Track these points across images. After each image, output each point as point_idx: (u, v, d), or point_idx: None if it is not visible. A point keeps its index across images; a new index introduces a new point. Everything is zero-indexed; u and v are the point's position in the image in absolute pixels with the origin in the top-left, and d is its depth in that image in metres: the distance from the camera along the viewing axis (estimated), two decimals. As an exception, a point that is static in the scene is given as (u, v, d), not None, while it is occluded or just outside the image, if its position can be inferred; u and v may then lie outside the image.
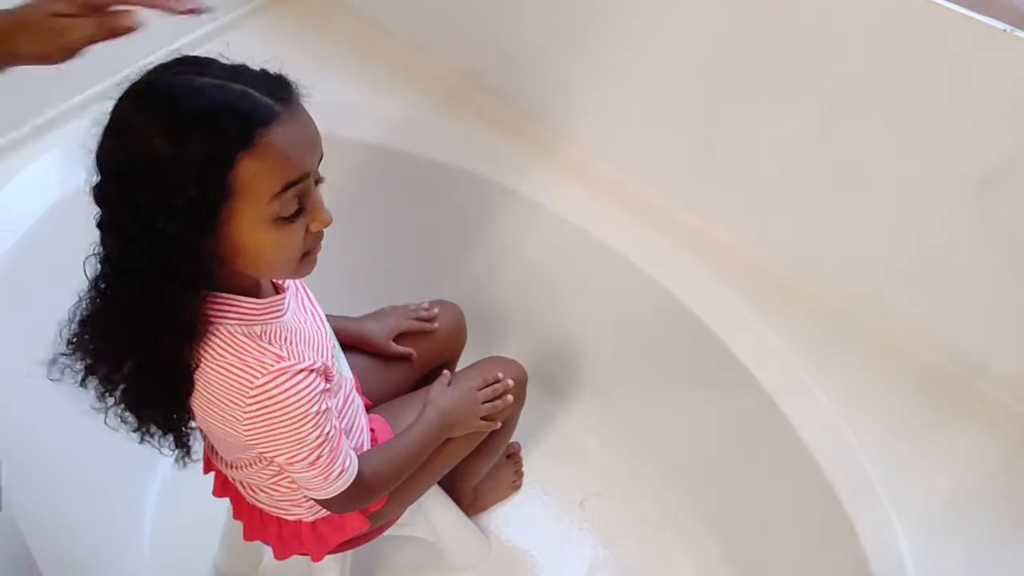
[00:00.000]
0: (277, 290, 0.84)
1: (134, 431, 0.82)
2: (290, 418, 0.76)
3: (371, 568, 1.30)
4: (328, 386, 0.82)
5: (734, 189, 1.16)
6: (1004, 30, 0.82)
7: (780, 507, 1.17)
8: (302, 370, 0.76)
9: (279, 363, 0.75)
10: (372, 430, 1.00)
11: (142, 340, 0.72)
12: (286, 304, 0.82)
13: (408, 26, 1.43)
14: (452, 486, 1.22)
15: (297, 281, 0.88)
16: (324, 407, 0.79)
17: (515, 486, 1.40)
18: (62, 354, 0.79)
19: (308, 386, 0.77)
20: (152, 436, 0.83)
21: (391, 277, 1.48)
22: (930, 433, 1.03)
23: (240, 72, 0.69)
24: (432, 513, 1.20)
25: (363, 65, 1.41)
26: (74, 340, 0.78)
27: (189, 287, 0.71)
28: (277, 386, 0.74)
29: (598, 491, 1.41)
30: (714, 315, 1.15)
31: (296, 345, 0.79)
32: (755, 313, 1.13)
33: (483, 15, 1.29)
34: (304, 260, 0.75)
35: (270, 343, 0.76)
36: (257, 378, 0.74)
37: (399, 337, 1.12)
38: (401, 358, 1.12)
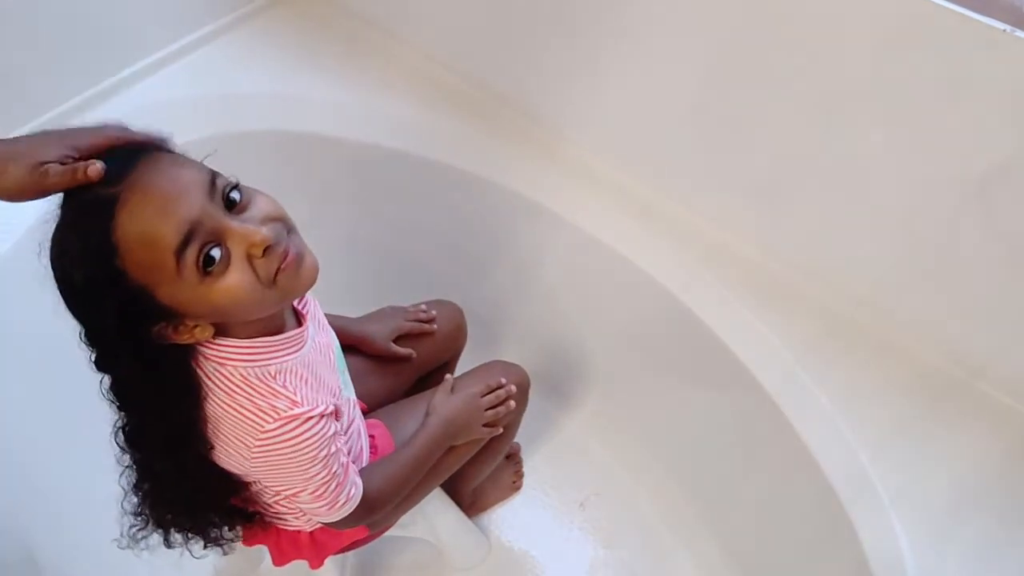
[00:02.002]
0: (299, 319, 0.82)
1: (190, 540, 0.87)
2: (297, 461, 0.76)
3: (371, 569, 1.30)
4: (339, 427, 0.81)
5: (734, 189, 1.16)
6: (1004, 30, 0.82)
7: (780, 507, 1.17)
8: (313, 416, 0.75)
9: (292, 409, 0.74)
10: (372, 436, 1.00)
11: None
12: (305, 335, 0.80)
13: (408, 27, 1.43)
14: (452, 487, 1.22)
15: (310, 297, 0.87)
16: (333, 449, 0.79)
17: (515, 487, 1.40)
18: (135, 528, 0.85)
19: (318, 432, 0.76)
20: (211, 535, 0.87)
21: (391, 277, 1.48)
22: (930, 433, 1.03)
23: None
24: (432, 514, 1.20)
25: (362, 66, 1.41)
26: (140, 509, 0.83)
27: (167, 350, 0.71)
28: (287, 432, 0.74)
29: (598, 491, 1.41)
30: (714, 315, 1.15)
31: (311, 384, 0.78)
32: (755, 313, 1.13)
33: (483, 16, 1.29)
34: (279, 281, 0.69)
35: (284, 386, 0.75)
36: (268, 423, 0.73)
37: (398, 338, 1.12)
38: (401, 359, 1.12)
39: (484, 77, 1.37)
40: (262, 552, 1.20)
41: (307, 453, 0.75)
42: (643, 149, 1.24)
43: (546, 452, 1.45)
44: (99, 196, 0.63)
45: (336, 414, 0.81)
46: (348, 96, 1.36)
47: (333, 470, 0.79)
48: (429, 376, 1.18)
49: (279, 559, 1.01)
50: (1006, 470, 1.00)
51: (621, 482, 1.41)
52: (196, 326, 0.70)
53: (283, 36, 1.45)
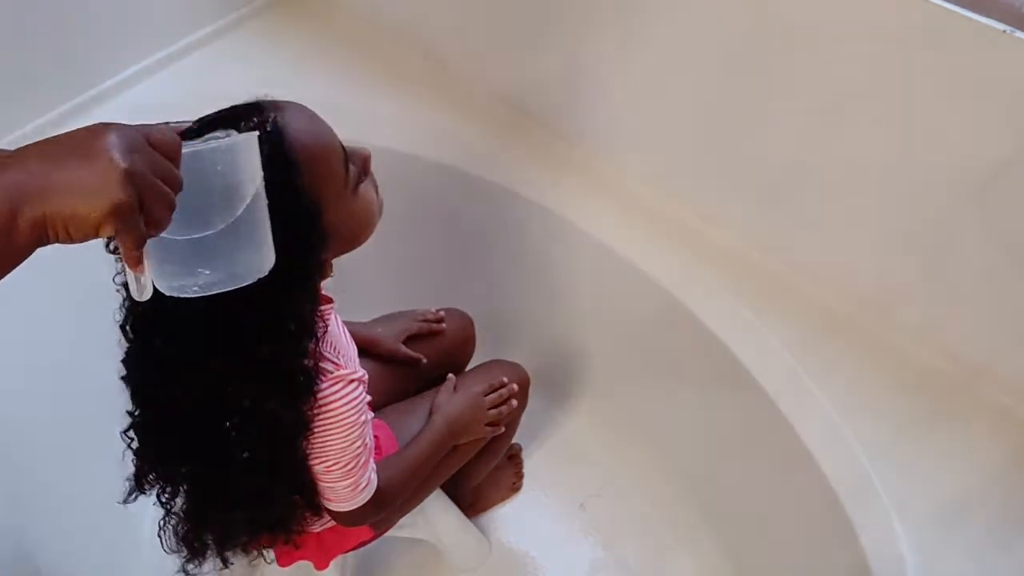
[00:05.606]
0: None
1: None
2: (341, 425, 0.77)
3: (371, 570, 1.30)
4: (368, 398, 0.82)
5: (735, 190, 1.16)
6: (1004, 30, 0.82)
7: (780, 507, 1.17)
8: (355, 379, 0.77)
9: (336, 371, 0.76)
10: (376, 437, 1.00)
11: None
12: (330, 312, 0.82)
13: (409, 28, 1.43)
14: (453, 488, 1.22)
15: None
16: (367, 417, 0.80)
17: (516, 487, 1.40)
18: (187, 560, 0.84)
19: (359, 396, 0.78)
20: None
21: (395, 282, 1.48)
22: (930, 434, 1.03)
23: (223, 119, 0.66)
24: (433, 515, 1.20)
25: (363, 68, 1.41)
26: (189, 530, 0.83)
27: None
28: (334, 393, 0.75)
29: (599, 492, 1.41)
30: (714, 315, 1.15)
31: (343, 354, 0.80)
32: (755, 313, 1.13)
33: (485, 16, 1.29)
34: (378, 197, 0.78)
35: (326, 351, 0.77)
36: (318, 384, 0.74)
37: (407, 340, 1.12)
38: (410, 362, 1.12)
39: (486, 78, 1.37)
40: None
41: (349, 416, 0.77)
42: (643, 151, 1.24)
43: (546, 452, 1.45)
44: (263, 119, 0.65)
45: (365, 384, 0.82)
46: (349, 98, 1.36)
47: (366, 441, 0.81)
48: (434, 383, 1.17)
49: (284, 560, 1.01)
50: (1006, 470, 1.00)
51: (621, 482, 1.41)
52: (327, 263, 0.73)
53: (283, 37, 1.45)
